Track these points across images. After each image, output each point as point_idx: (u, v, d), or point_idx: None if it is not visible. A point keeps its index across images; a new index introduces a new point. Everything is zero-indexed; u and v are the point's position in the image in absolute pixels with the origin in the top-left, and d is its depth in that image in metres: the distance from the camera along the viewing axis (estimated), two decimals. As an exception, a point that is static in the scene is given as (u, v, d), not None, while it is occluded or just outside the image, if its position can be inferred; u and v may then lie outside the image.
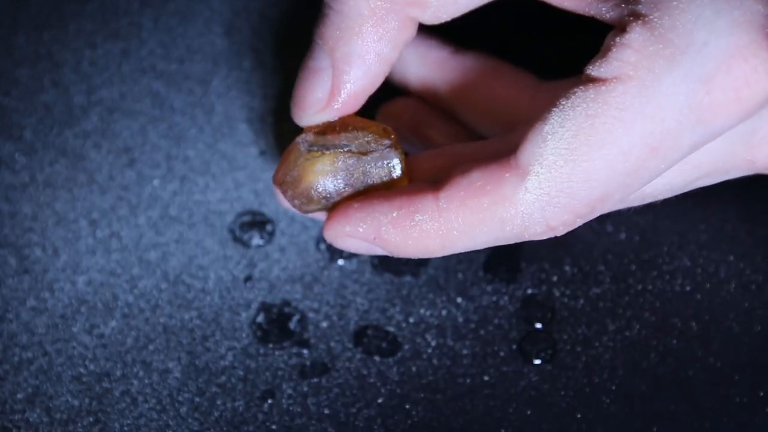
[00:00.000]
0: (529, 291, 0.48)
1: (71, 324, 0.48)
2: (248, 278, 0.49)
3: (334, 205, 0.44)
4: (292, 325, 0.48)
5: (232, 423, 0.46)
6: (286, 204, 0.45)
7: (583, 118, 0.39)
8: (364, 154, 0.43)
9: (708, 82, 0.38)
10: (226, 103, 0.51)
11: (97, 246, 0.49)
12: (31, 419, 0.46)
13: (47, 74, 0.52)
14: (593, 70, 0.39)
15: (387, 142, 0.43)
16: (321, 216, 0.45)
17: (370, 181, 0.44)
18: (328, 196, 0.44)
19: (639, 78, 0.38)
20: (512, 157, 0.40)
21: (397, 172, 0.44)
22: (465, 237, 0.41)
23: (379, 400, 0.47)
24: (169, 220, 0.49)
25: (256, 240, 0.49)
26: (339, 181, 0.44)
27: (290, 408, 0.47)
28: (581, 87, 0.39)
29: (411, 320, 0.48)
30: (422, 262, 0.49)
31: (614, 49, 0.39)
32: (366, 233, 0.42)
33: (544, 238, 0.41)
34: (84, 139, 0.51)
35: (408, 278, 0.49)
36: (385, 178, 0.44)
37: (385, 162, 0.44)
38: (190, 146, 0.51)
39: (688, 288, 0.48)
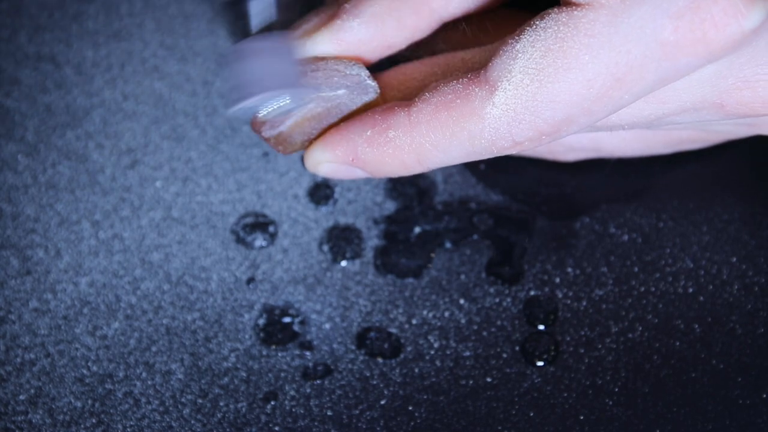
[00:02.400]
0: (532, 292, 0.48)
1: (74, 325, 0.48)
2: (251, 280, 0.48)
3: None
4: (294, 326, 0.48)
5: (234, 425, 0.46)
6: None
7: (552, 39, 0.39)
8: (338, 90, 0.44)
9: (676, 19, 0.38)
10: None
11: (100, 247, 0.49)
12: (33, 421, 0.46)
13: (49, 75, 0.52)
14: None
15: (356, 68, 0.43)
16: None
17: (346, 110, 0.44)
18: (308, 134, 0.44)
19: (610, 7, 0.38)
20: (483, 71, 0.41)
21: (372, 95, 0.44)
22: (438, 151, 0.42)
23: (382, 402, 0.47)
24: (172, 221, 0.49)
25: (259, 241, 0.49)
26: (316, 121, 0.44)
27: (293, 410, 0.46)
28: (556, 9, 0.40)
29: (414, 322, 0.48)
30: (425, 264, 0.49)
31: None
32: (343, 156, 0.43)
33: (512, 153, 0.41)
34: (86, 140, 0.51)
35: (410, 280, 0.49)
36: (360, 104, 0.44)
37: (359, 92, 0.43)
38: (193, 148, 0.51)
39: (690, 290, 0.48)
